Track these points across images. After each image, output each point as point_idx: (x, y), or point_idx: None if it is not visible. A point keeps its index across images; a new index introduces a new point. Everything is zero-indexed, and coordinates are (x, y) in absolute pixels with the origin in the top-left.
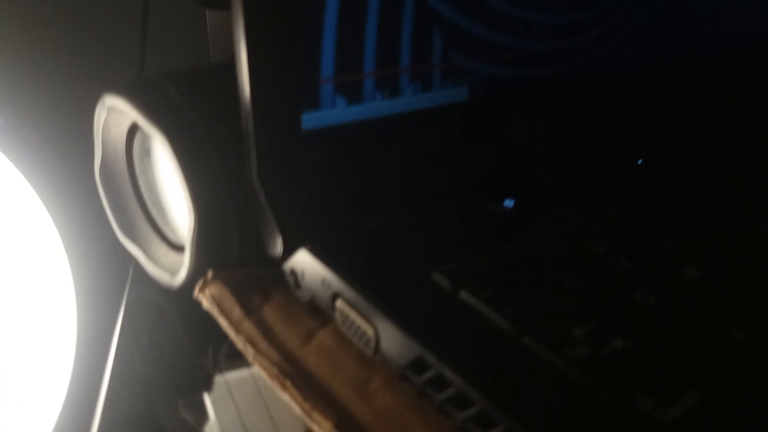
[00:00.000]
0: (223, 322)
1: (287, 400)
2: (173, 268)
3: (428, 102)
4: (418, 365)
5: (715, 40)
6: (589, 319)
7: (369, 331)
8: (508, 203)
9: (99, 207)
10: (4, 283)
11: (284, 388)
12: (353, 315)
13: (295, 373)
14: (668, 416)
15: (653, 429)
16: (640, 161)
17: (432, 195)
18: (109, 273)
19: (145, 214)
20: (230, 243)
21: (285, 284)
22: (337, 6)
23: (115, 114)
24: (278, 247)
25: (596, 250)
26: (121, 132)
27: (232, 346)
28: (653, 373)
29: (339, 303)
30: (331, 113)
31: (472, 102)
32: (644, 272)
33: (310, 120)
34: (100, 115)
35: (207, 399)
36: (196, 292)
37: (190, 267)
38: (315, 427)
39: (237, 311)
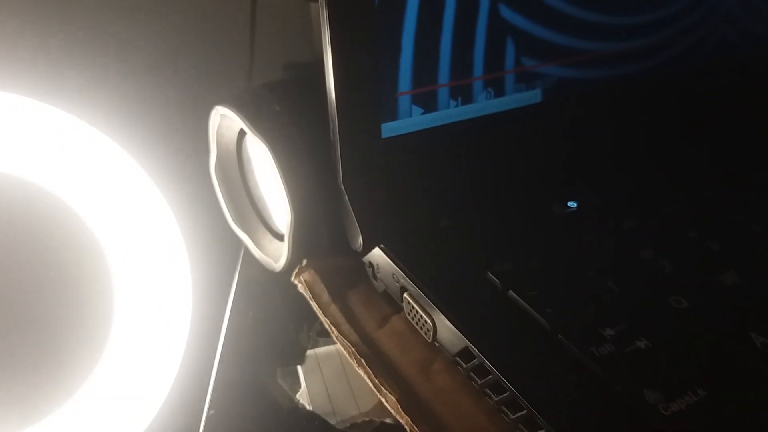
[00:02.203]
0: (313, 305)
1: (362, 374)
2: (275, 255)
3: (502, 106)
4: (464, 355)
5: None
6: (621, 321)
7: (428, 321)
8: (572, 205)
9: (213, 199)
10: (130, 271)
11: (359, 365)
12: (417, 307)
13: (369, 353)
14: (669, 410)
15: (653, 420)
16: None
17: (500, 196)
18: (223, 257)
19: (252, 206)
20: (321, 236)
21: (366, 273)
22: (414, 26)
23: (227, 119)
24: (359, 242)
25: (644, 254)
26: (232, 135)
27: (322, 324)
28: (666, 371)
29: (406, 295)
30: (408, 122)
31: (546, 104)
32: (684, 277)
33: (388, 129)
34: (215, 120)
35: (299, 370)
36: (293, 277)
37: (288, 255)
38: (383, 400)
39: (325, 296)
